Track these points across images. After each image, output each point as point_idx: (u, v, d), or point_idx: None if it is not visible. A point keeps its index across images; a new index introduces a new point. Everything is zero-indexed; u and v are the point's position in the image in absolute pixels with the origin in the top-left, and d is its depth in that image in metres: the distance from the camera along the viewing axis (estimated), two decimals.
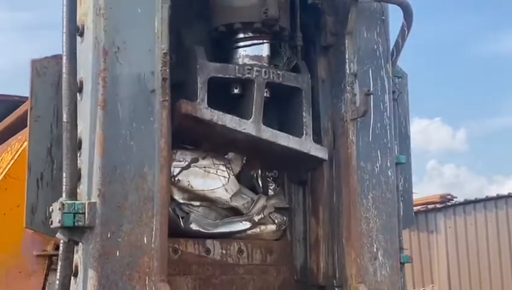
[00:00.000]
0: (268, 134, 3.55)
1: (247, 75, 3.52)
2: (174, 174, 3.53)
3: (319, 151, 3.68)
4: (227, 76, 3.50)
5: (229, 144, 3.66)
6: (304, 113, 3.66)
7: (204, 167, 3.62)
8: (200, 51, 3.47)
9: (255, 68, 3.53)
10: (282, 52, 3.71)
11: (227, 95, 3.61)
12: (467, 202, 13.63)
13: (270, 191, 3.85)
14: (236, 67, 3.52)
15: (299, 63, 3.73)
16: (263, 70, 3.54)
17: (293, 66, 3.71)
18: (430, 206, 13.63)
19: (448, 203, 13.77)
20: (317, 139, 3.70)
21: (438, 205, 13.65)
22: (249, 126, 3.50)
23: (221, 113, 3.44)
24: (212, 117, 3.42)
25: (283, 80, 3.61)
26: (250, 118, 3.51)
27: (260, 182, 3.84)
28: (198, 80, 3.40)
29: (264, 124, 3.54)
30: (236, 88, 3.59)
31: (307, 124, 3.66)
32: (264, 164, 3.86)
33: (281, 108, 3.79)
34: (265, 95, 3.57)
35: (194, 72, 3.42)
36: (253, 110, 3.52)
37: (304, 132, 3.65)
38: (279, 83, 3.59)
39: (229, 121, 3.47)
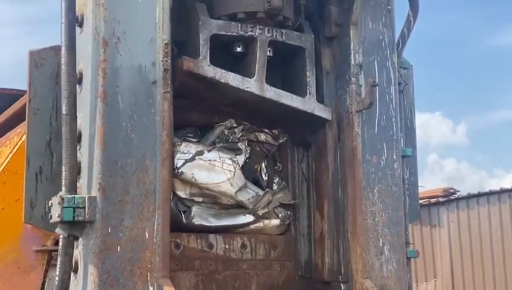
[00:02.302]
0: (272, 93, 3.50)
1: (250, 33, 3.46)
2: (178, 166, 3.47)
3: (322, 112, 3.63)
4: (229, 33, 3.45)
5: (231, 103, 3.61)
6: (307, 73, 3.60)
7: (210, 160, 3.55)
8: (202, 8, 3.42)
9: (258, 26, 3.47)
10: None
11: (230, 53, 3.55)
12: (470, 196, 13.58)
13: (274, 184, 3.79)
14: (239, 24, 3.46)
15: (302, 23, 3.66)
16: (266, 28, 3.49)
17: (296, 26, 3.65)
18: (433, 200, 13.58)
19: (451, 197, 13.73)
20: (321, 99, 3.65)
21: (440, 199, 13.61)
22: (251, 85, 3.44)
23: (223, 71, 3.38)
24: (215, 75, 3.36)
25: (286, 38, 3.55)
26: (253, 76, 3.46)
27: (264, 176, 3.78)
28: (200, 36, 3.35)
29: (267, 84, 3.48)
30: (239, 46, 3.53)
31: (310, 83, 3.61)
32: (267, 124, 3.81)
33: (285, 67, 3.73)
34: (268, 54, 3.51)
35: (196, 29, 3.37)
36: (256, 69, 3.46)
37: (308, 92, 3.59)
38: (282, 41, 3.54)
39: (232, 79, 3.41)
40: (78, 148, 3.05)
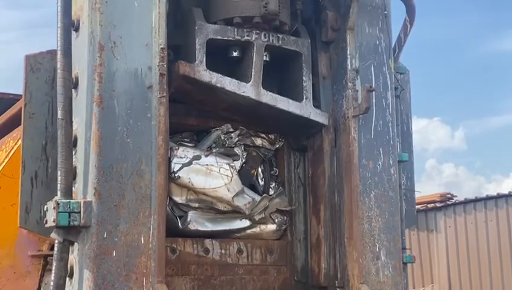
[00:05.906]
0: (268, 98, 3.50)
1: (246, 38, 3.47)
2: (175, 170, 3.46)
3: (319, 116, 3.63)
4: (226, 38, 3.45)
5: (227, 108, 3.61)
6: (303, 78, 3.61)
7: (207, 165, 3.54)
8: (198, 13, 3.42)
9: (254, 31, 3.47)
10: None
11: (226, 58, 3.55)
12: (467, 201, 13.56)
13: (270, 189, 3.78)
14: (236, 29, 3.46)
15: (299, 27, 3.67)
16: (263, 33, 3.49)
17: (293, 30, 3.65)
18: (430, 205, 13.58)
19: (449, 202, 13.72)
20: (317, 104, 3.65)
21: (438, 204, 13.60)
22: (248, 89, 3.45)
23: (220, 75, 3.39)
24: (211, 79, 3.36)
25: (283, 43, 3.56)
26: (249, 81, 3.45)
27: (260, 181, 3.77)
28: (196, 41, 3.35)
29: (263, 88, 3.48)
30: (235, 51, 3.54)
31: (307, 88, 3.61)
32: (263, 129, 3.81)
33: (281, 72, 3.73)
34: (264, 58, 3.52)
35: (193, 33, 3.37)
36: (253, 74, 3.46)
37: (304, 97, 3.60)
38: (278, 46, 3.55)
39: (228, 83, 3.41)
40: (73, 152, 3.04)
